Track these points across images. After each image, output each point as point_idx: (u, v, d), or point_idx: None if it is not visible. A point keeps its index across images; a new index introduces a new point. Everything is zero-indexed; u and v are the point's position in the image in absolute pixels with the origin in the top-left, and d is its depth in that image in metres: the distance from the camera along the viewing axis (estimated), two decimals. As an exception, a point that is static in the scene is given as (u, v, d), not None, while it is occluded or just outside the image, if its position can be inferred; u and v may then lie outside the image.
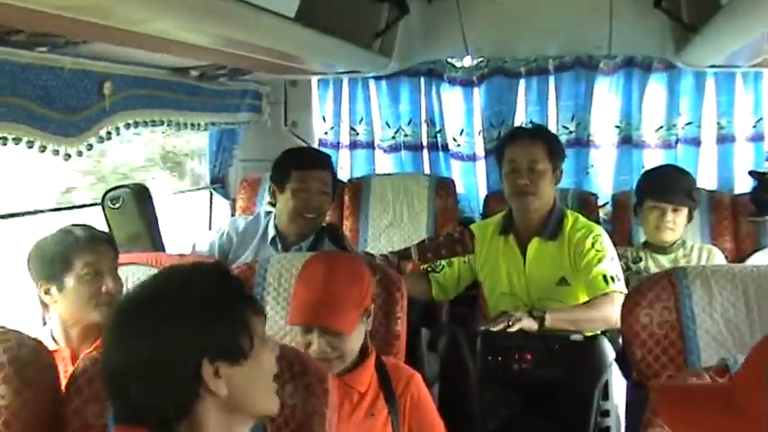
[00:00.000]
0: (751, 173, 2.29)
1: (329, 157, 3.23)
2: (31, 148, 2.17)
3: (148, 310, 1.29)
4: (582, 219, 3.08)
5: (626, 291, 2.79)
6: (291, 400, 1.57)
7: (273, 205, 3.11)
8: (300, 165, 3.00)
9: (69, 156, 2.37)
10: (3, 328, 1.59)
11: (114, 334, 1.31)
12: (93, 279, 2.26)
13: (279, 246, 3.03)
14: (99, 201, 3.08)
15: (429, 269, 3.18)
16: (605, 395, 2.55)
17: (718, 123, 4.20)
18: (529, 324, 2.69)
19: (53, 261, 2.25)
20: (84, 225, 2.36)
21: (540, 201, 3.00)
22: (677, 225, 3.24)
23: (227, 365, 1.28)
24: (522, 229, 3.07)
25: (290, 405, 1.57)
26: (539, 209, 3.02)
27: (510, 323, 2.68)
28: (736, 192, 3.94)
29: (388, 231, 4.02)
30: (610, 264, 2.89)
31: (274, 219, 3.09)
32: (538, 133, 3.13)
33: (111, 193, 3.07)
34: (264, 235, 3.10)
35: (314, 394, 1.57)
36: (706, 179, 4.08)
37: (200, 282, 1.33)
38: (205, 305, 1.29)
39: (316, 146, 4.46)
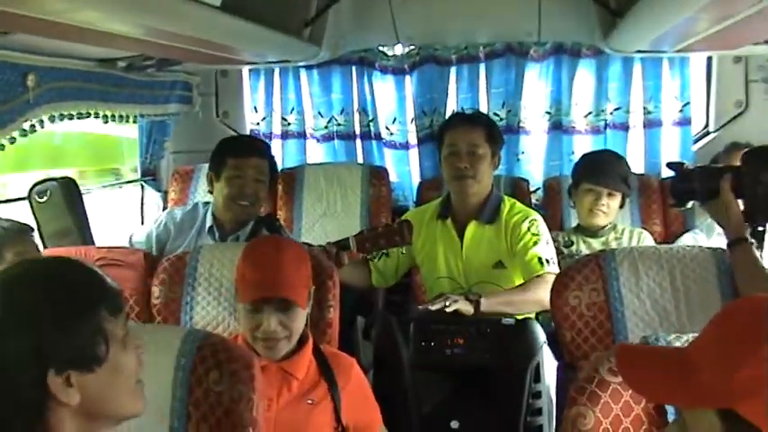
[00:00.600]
0: (669, 164, 2.36)
1: (267, 145, 3.23)
2: (-50, 139, 2.13)
3: None
4: (519, 204, 3.13)
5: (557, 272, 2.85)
6: (217, 387, 1.56)
7: (213, 194, 3.10)
8: (236, 152, 3.00)
9: (-8, 149, 2.33)
10: None
11: None
12: None
13: (216, 235, 3.02)
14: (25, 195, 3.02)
15: (368, 258, 3.19)
16: (537, 377, 2.58)
17: (646, 108, 4.27)
18: (465, 307, 2.72)
19: None
20: (7, 219, 2.35)
21: (478, 185, 3.03)
22: (611, 209, 3.31)
23: (78, 373, 1.17)
24: (460, 213, 3.10)
25: (215, 392, 1.56)
26: (477, 193, 3.06)
27: (447, 303, 2.70)
28: (664, 176, 4.04)
29: (323, 221, 4.01)
30: (545, 247, 2.94)
31: (212, 208, 3.07)
32: (478, 118, 3.17)
33: (37, 187, 3.01)
34: (202, 225, 3.09)
35: (240, 380, 1.57)
36: (634, 163, 4.16)
37: (46, 283, 1.21)
38: (50, 310, 1.17)
39: (248, 136, 4.42)
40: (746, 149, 2.46)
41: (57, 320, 1.16)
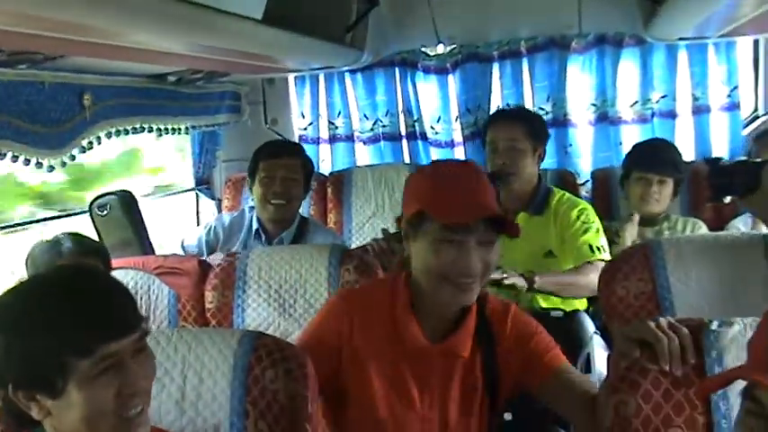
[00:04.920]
0: (706, 159, 2.39)
1: (298, 145, 3.32)
2: (15, 162, 2.22)
3: None
4: (569, 195, 3.14)
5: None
6: (272, 385, 1.61)
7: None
8: (266, 154, 3.12)
9: (53, 168, 2.41)
10: None
11: None
12: None
13: (262, 238, 3.11)
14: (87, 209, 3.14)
15: None
16: (588, 367, 2.60)
17: (693, 95, 4.24)
18: (520, 282, 2.73)
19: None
20: (75, 234, 2.39)
21: (519, 180, 3.05)
22: (662, 197, 3.27)
23: (42, 396, 1.21)
24: (509, 206, 3.11)
25: (271, 390, 1.61)
26: (520, 188, 3.07)
27: (505, 275, 2.71)
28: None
29: (372, 221, 4.06)
30: (595, 234, 2.95)
31: (256, 212, 3.16)
32: (518, 114, 3.19)
33: (98, 201, 3.12)
34: (249, 229, 3.19)
35: (294, 379, 1.62)
36: (684, 151, 4.12)
37: (22, 306, 1.23)
38: (16, 329, 1.20)
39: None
40: None
41: (19, 344, 1.19)
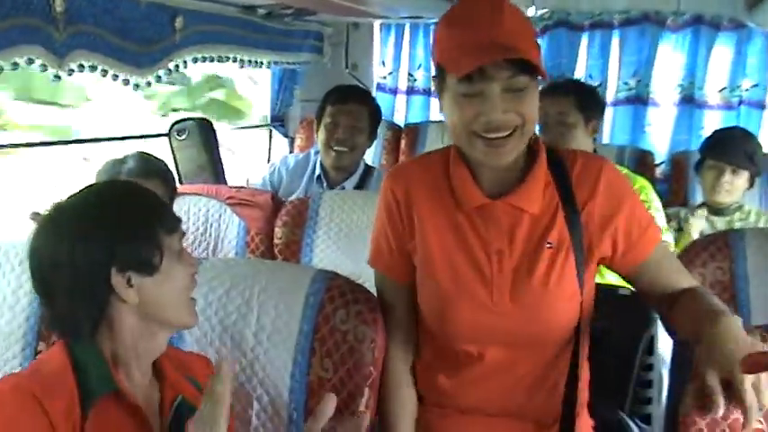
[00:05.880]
0: None
1: (367, 93, 3.23)
2: (104, 76, 2.23)
3: (67, 216, 1.33)
4: (625, 171, 3.05)
5: (671, 242, 2.78)
6: (343, 325, 1.62)
7: None
8: (333, 99, 3.04)
9: (138, 86, 2.43)
10: None
11: (39, 236, 1.35)
12: None
13: (324, 183, 3.07)
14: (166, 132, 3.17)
15: None
16: (650, 350, 2.55)
17: (786, 86, 4.11)
18: None
19: None
20: (141, 155, 2.30)
21: None
22: (734, 187, 3.19)
23: (137, 276, 1.33)
24: None
25: (341, 330, 1.62)
26: None
27: None
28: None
29: (443, 177, 4.04)
30: (654, 214, 2.87)
31: (320, 157, 3.13)
32: (568, 86, 3.06)
33: (177, 125, 3.14)
34: (313, 172, 3.16)
35: (364, 321, 1.62)
36: (768, 143, 4.01)
37: (119, 200, 1.38)
38: (116, 218, 1.33)
39: (373, 90, 4.49)
40: None
41: (123, 229, 1.32)
